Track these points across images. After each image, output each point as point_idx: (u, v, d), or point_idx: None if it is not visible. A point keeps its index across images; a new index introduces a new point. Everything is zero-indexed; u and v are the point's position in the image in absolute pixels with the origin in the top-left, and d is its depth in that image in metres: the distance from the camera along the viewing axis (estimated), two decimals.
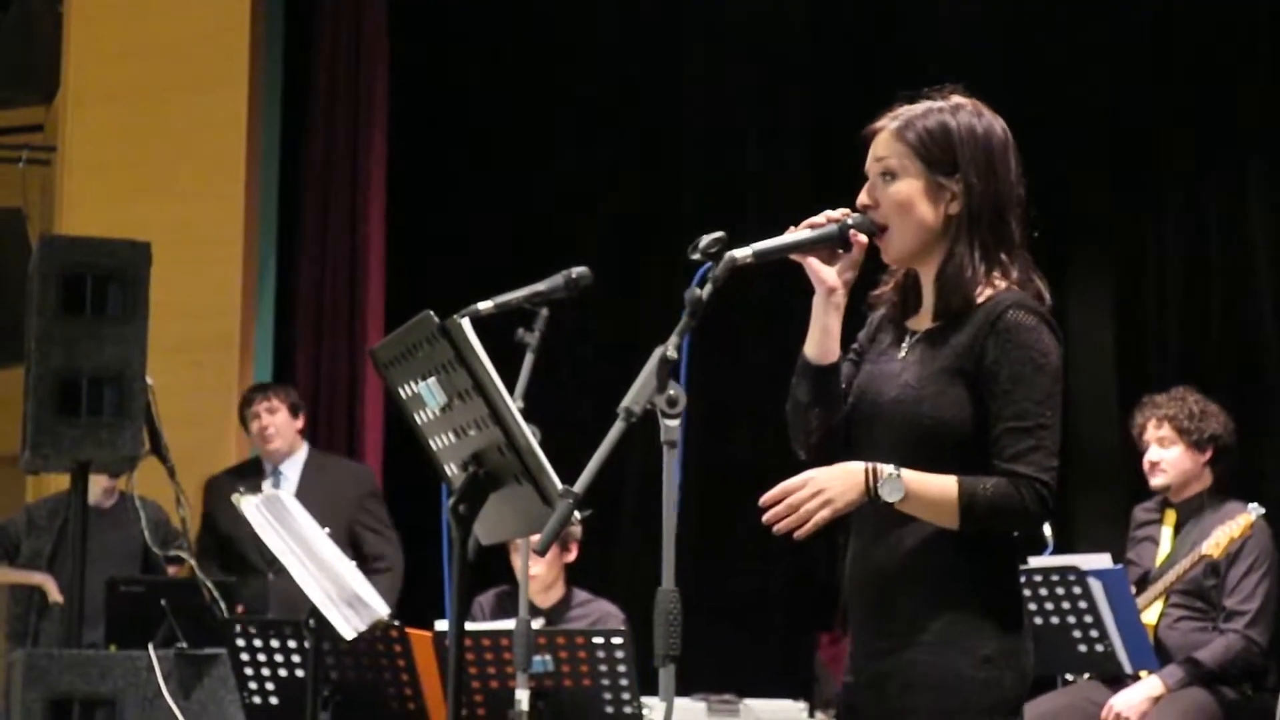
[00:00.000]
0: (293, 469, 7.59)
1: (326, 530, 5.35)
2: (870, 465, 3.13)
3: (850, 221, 3.25)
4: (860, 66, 8.49)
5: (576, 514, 3.06)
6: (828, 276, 3.24)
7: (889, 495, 3.11)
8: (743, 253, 3.14)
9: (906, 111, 3.28)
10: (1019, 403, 3.12)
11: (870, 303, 3.39)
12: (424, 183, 8.78)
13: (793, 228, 3.25)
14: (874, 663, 3.21)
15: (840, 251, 3.25)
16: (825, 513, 3.11)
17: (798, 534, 3.12)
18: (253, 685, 5.63)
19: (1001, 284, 3.21)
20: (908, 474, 3.11)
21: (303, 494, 7.46)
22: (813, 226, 3.24)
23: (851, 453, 3.23)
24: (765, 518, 3.14)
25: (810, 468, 3.19)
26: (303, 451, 7.66)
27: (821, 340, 3.27)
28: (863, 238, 3.25)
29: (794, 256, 3.24)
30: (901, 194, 3.23)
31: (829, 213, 3.26)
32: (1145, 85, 8.36)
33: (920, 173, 3.23)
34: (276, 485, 7.47)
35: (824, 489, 3.12)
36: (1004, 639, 3.14)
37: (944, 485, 3.11)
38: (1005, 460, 3.12)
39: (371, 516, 7.55)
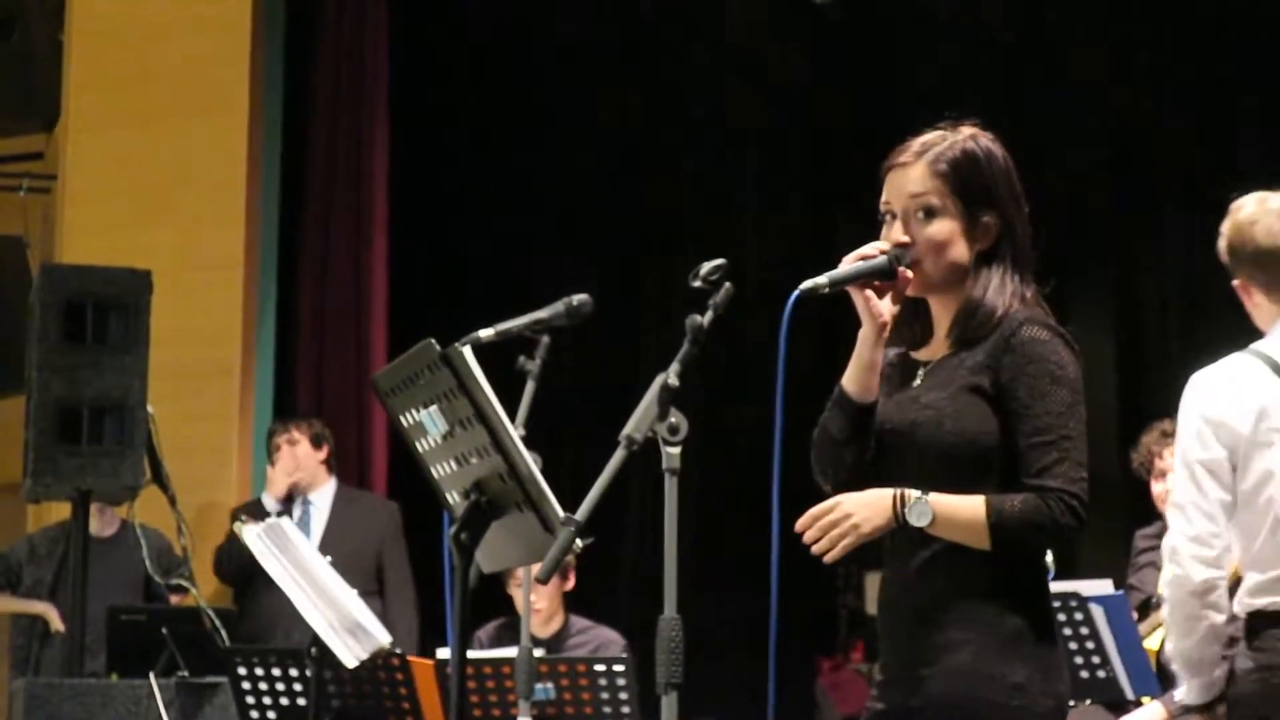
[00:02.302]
0: (323, 499, 7.56)
1: (328, 558, 5.34)
2: (898, 491, 3.11)
3: (894, 254, 3.19)
4: (858, 81, 8.50)
5: (578, 542, 3.06)
6: (882, 310, 3.21)
7: (917, 520, 3.09)
8: (818, 281, 3.12)
9: (932, 145, 3.24)
10: (1040, 417, 3.09)
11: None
12: (427, 209, 8.77)
13: (845, 259, 3.19)
14: (902, 693, 3.17)
15: (877, 284, 3.21)
16: (851, 538, 3.11)
17: (826, 558, 3.12)
18: (254, 714, 5.60)
19: (1016, 306, 3.19)
20: (935, 497, 3.09)
21: (334, 523, 7.44)
22: (864, 258, 3.19)
23: (881, 486, 3.19)
24: (805, 540, 3.12)
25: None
26: (331, 484, 7.63)
27: (866, 375, 3.22)
28: (909, 272, 3.20)
29: (851, 288, 3.19)
30: (942, 233, 3.20)
31: (875, 244, 3.21)
32: (1147, 110, 8.36)
33: (959, 210, 3.20)
34: (306, 515, 7.46)
35: (851, 514, 3.11)
36: (1035, 665, 3.09)
37: (972, 506, 3.09)
38: (1032, 476, 3.08)
39: (397, 558, 7.47)
